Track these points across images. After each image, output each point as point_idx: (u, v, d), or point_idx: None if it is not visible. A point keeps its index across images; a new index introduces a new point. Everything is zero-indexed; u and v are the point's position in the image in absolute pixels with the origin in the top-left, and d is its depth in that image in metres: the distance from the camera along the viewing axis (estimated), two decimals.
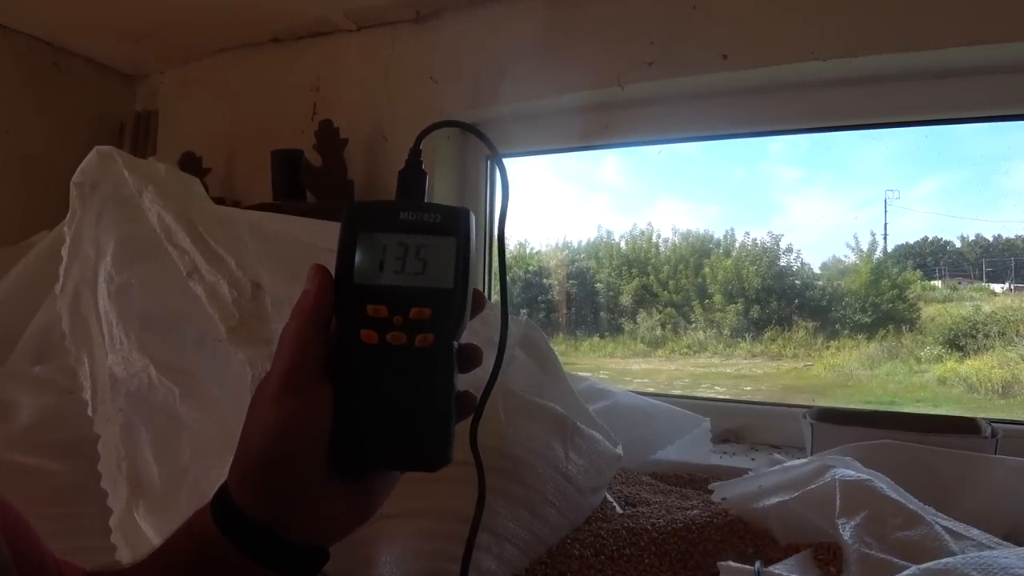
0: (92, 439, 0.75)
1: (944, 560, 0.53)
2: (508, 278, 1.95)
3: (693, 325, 2.25)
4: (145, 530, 0.68)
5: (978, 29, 1.13)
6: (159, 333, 0.79)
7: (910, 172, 1.83)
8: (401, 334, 0.45)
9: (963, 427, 1.15)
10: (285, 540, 0.43)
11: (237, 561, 0.43)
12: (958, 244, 2.06)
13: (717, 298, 2.19)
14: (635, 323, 2.34)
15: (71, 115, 1.96)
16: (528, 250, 2.39)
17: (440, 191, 1.64)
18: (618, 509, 0.93)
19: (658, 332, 2.28)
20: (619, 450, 0.97)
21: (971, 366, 1.87)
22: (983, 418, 1.15)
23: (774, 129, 1.42)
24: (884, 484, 0.75)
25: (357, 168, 1.70)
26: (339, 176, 1.69)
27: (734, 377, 2.31)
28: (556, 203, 2.26)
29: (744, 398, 1.79)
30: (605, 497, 0.94)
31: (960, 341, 1.90)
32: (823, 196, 2.07)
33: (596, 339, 2.34)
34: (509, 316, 0.53)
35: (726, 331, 2.18)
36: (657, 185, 2.25)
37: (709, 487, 0.97)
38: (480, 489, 0.54)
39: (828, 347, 2.06)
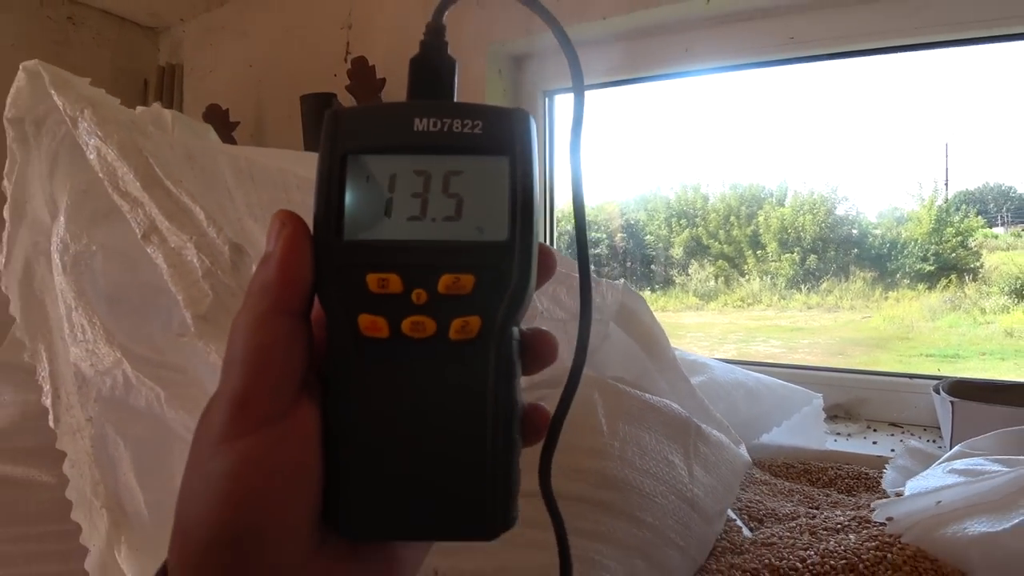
0: None
1: None
2: (557, 232, 1.76)
3: (747, 277, 2.23)
4: (129, 574, 0.48)
5: None
6: (132, 317, 0.56)
7: (969, 117, 1.84)
8: (426, 320, 0.28)
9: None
10: None
11: None
12: (1021, 189, 2.01)
13: (772, 247, 2.15)
14: (687, 276, 2.30)
15: (89, 73, 1.84)
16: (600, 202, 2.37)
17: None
18: (745, 531, 0.71)
19: (711, 284, 2.26)
20: (744, 452, 0.76)
21: None
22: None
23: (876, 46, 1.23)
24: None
25: None
26: None
27: (789, 330, 2.23)
28: (605, 156, 2.15)
29: (852, 367, 1.61)
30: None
31: None
32: (881, 143, 2.04)
33: (648, 293, 2.27)
34: (593, 282, 0.34)
35: (781, 282, 2.16)
36: (708, 135, 2.18)
37: (871, 503, 0.68)
38: (561, 548, 0.33)
39: (887, 298, 2.05)
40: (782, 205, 2.19)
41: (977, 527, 0.55)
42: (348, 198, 0.28)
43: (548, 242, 1.56)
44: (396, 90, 1.52)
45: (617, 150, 2.17)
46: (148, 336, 0.56)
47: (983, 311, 1.94)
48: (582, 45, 1.38)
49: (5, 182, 0.63)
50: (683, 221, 2.29)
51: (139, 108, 0.71)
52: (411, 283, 0.27)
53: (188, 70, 1.98)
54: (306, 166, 0.62)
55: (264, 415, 0.26)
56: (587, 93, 0.35)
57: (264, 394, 0.27)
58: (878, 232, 2.08)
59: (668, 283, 2.33)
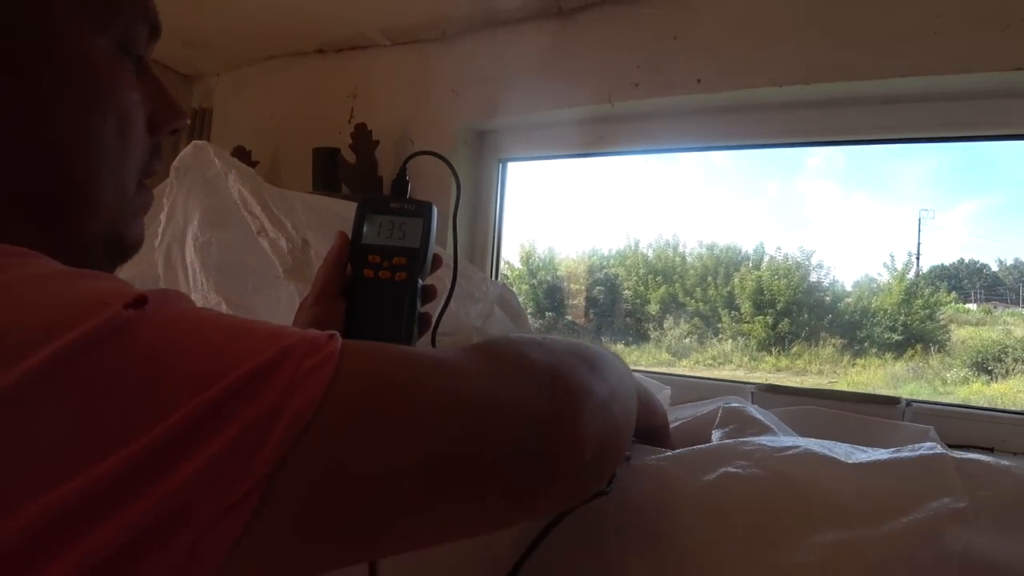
0: None
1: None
2: (536, 281, 2.15)
3: (720, 337, 2.23)
4: None
5: (917, 63, 1.27)
6: (230, 279, 1.02)
7: (948, 192, 1.86)
8: (388, 272, 0.66)
9: (884, 401, 1.28)
10: None
11: None
12: (995, 268, 2.03)
13: (746, 308, 2.18)
14: (662, 330, 2.31)
15: None
16: (557, 256, 2.43)
17: (464, 188, 1.85)
18: None
19: (686, 341, 2.26)
20: None
21: (997, 389, 1.82)
22: (906, 397, 1.29)
23: (742, 144, 1.58)
24: (756, 411, 0.89)
25: (386, 166, 1.92)
26: (371, 173, 1.92)
27: None
28: (586, 211, 2.31)
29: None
30: None
31: (988, 364, 1.86)
32: (858, 213, 2.06)
33: (621, 346, 2.32)
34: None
35: (753, 343, 2.16)
36: (687, 197, 2.23)
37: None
38: None
39: (854, 365, 2.03)
40: (758, 268, 2.20)
41: (678, 422, 0.93)
42: (364, 228, 0.68)
43: (492, 266, 1.91)
44: (386, 147, 1.91)
45: (595, 207, 2.29)
46: (237, 290, 1.01)
47: (944, 381, 1.94)
48: (540, 127, 1.76)
49: (165, 199, 1.08)
50: (659, 278, 2.33)
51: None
52: (383, 259, 0.67)
53: (217, 114, 2.35)
54: (338, 207, 1.09)
55: (326, 299, 0.64)
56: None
57: (327, 292, 0.65)
58: (850, 300, 2.07)
59: (643, 338, 2.33)
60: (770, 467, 0.58)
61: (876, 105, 1.39)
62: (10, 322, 0.27)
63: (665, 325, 2.29)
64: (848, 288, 2.09)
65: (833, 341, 2.05)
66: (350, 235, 0.68)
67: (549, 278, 2.41)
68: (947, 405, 1.40)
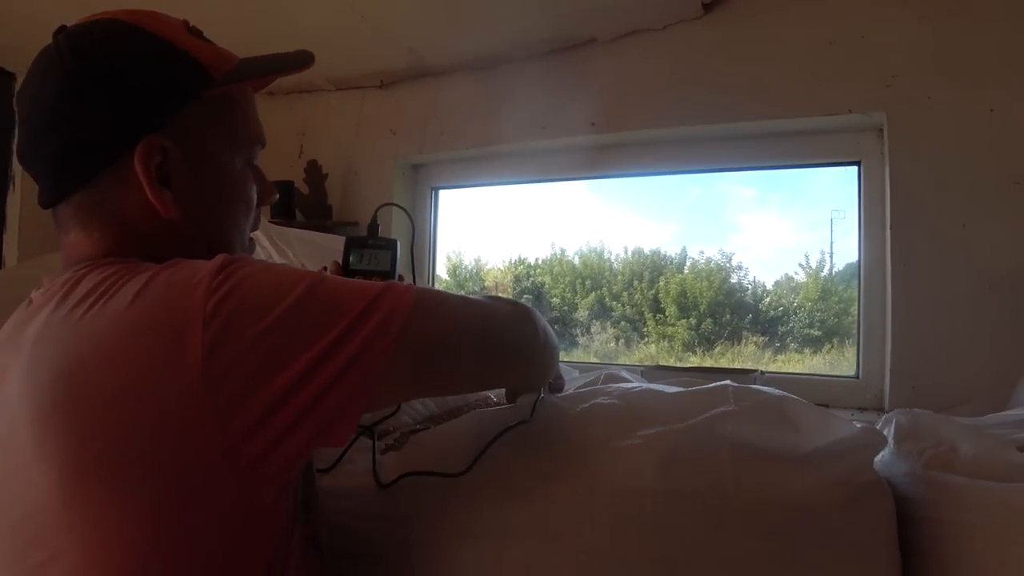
0: None
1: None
2: (464, 292, 2.51)
3: (646, 340, 2.29)
4: None
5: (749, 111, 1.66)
6: None
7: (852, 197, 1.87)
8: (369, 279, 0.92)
9: (743, 372, 1.66)
10: None
11: None
12: None
13: (671, 311, 2.25)
14: (590, 335, 2.39)
15: None
16: (485, 267, 2.56)
17: (399, 212, 2.16)
18: None
19: (612, 345, 2.32)
20: None
21: None
22: (760, 369, 1.67)
23: (629, 172, 1.96)
24: (627, 374, 1.22)
25: (335, 195, 2.22)
26: (321, 202, 2.21)
27: None
28: (512, 223, 2.48)
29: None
30: None
31: None
32: (776, 216, 2.15)
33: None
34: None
35: (678, 345, 2.22)
36: (612, 204, 2.36)
37: None
38: None
39: (775, 360, 2.12)
40: (681, 272, 2.28)
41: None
42: (350, 258, 0.89)
43: (430, 278, 2.24)
44: (334, 179, 2.21)
45: (520, 219, 2.46)
46: None
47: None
48: (466, 160, 2.09)
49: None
50: (588, 283, 2.40)
51: None
52: (365, 278, 0.82)
53: None
54: (321, 239, 1.35)
55: None
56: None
57: None
58: (769, 300, 2.16)
59: (572, 343, 2.40)
60: (621, 398, 0.92)
61: (726, 141, 1.79)
62: (270, 284, 0.55)
63: (592, 330, 2.36)
64: (769, 288, 2.17)
65: (755, 339, 2.13)
66: (340, 263, 0.89)
67: (476, 288, 2.56)
68: (790, 373, 1.79)
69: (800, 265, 2.08)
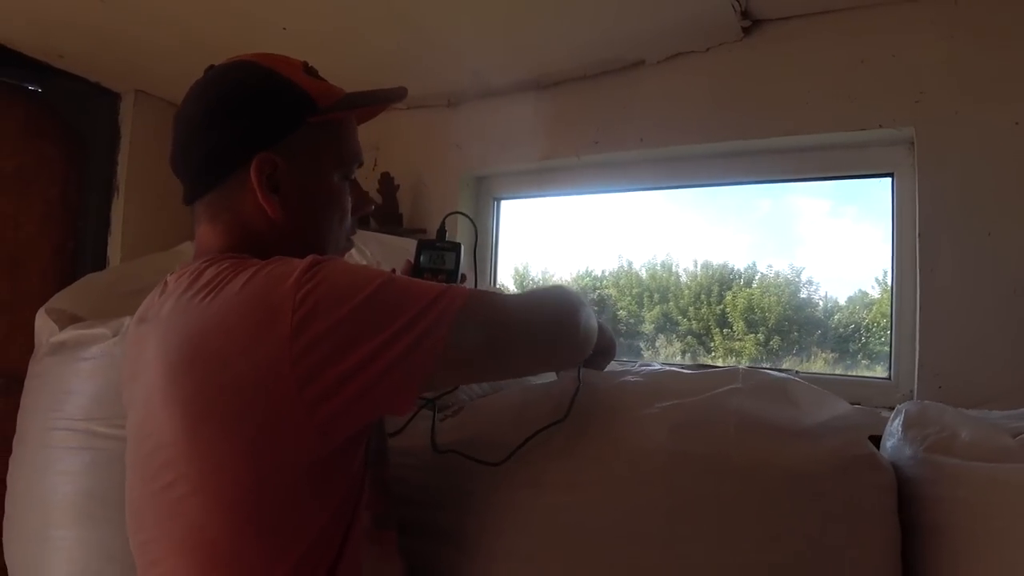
0: None
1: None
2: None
3: (712, 354, 2.28)
4: None
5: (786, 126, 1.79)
6: None
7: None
8: (438, 277, 0.98)
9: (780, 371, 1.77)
10: None
11: None
12: None
13: (738, 326, 2.23)
14: (655, 349, 2.37)
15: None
16: (552, 278, 2.62)
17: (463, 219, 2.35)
18: None
19: (678, 359, 2.30)
20: None
21: None
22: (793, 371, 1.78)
23: (680, 184, 2.09)
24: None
25: (406, 205, 2.43)
26: (393, 211, 2.42)
27: None
28: (580, 235, 2.55)
29: None
30: None
31: None
32: (848, 229, 2.12)
33: (616, 365, 2.31)
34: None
35: (744, 361, 2.20)
36: (681, 216, 2.37)
37: None
38: None
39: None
40: (749, 286, 2.26)
41: None
42: (421, 258, 1.02)
43: (491, 283, 2.41)
44: (404, 190, 2.42)
45: (588, 231, 2.53)
46: None
47: None
48: (527, 173, 2.27)
49: None
50: (655, 296, 2.40)
51: None
52: (433, 275, 0.99)
53: None
54: (395, 241, 1.50)
55: None
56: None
57: None
58: (839, 317, 2.12)
59: (636, 356, 2.39)
60: (646, 376, 1.08)
61: (762, 155, 1.92)
62: (348, 282, 0.69)
63: (658, 344, 2.36)
64: (842, 303, 2.12)
65: (824, 355, 2.09)
66: (412, 262, 1.01)
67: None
68: (826, 374, 1.90)
69: (877, 280, 2.03)
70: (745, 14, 1.78)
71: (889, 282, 1.84)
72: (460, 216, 1.92)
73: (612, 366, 1.62)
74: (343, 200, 0.87)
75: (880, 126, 1.69)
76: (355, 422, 0.70)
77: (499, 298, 0.80)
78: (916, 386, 1.63)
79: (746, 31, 1.84)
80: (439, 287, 0.72)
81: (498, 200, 2.46)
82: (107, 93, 2.47)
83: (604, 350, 1.06)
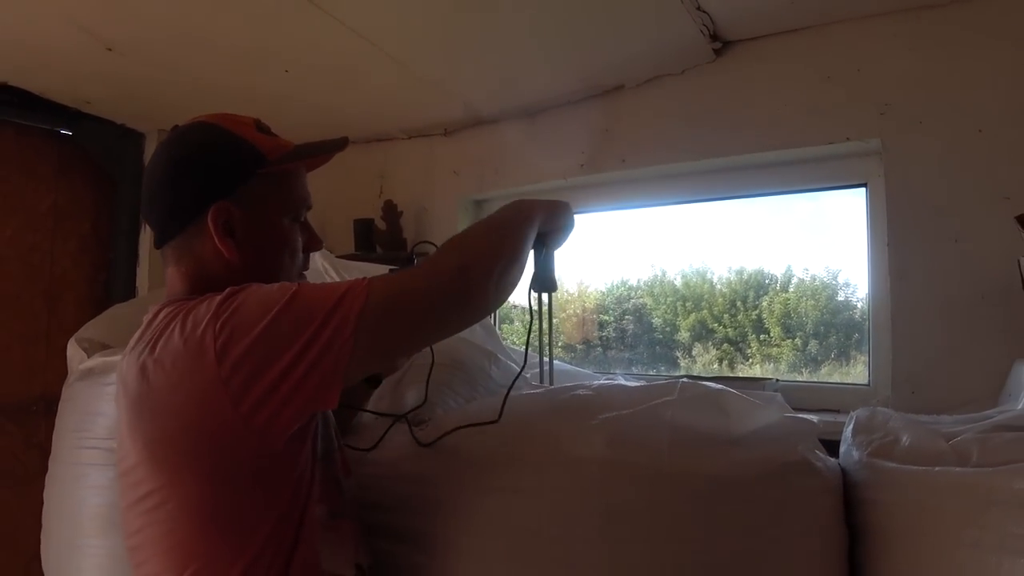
0: None
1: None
2: (565, 314, 2.64)
3: (750, 361, 2.25)
4: None
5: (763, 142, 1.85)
6: None
7: None
8: None
9: (758, 380, 1.82)
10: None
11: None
12: None
13: (775, 332, 2.19)
14: (691, 358, 2.35)
15: None
16: (587, 290, 2.66)
17: None
18: None
19: (715, 367, 2.28)
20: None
21: None
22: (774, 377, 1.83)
23: (661, 202, 2.17)
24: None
25: (409, 230, 2.55)
26: (397, 236, 2.54)
27: None
28: (614, 246, 2.55)
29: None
30: None
31: None
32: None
33: (652, 374, 2.33)
34: None
35: (783, 367, 2.15)
36: (714, 223, 2.32)
37: None
38: None
39: None
40: (786, 291, 2.23)
41: None
42: None
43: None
44: (409, 214, 2.54)
45: (623, 236, 2.52)
46: None
47: None
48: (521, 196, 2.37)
49: None
50: (689, 304, 2.38)
51: None
52: None
53: None
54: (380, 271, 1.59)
55: None
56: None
57: None
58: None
59: (672, 365, 2.36)
60: (595, 389, 1.16)
61: (740, 170, 1.98)
62: (258, 303, 0.79)
63: (694, 352, 2.34)
64: None
65: (863, 359, 1.99)
66: None
67: (579, 311, 2.66)
68: (805, 382, 1.94)
69: None
70: (715, 36, 1.86)
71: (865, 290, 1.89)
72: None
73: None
74: (293, 240, 0.97)
75: (848, 139, 1.75)
76: (288, 424, 0.80)
77: (398, 278, 0.86)
78: (891, 392, 1.67)
79: (717, 52, 1.91)
80: (343, 287, 0.81)
81: None
82: (132, 134, 2.63)
83: (558, 228, 1.14)
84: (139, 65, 2.03)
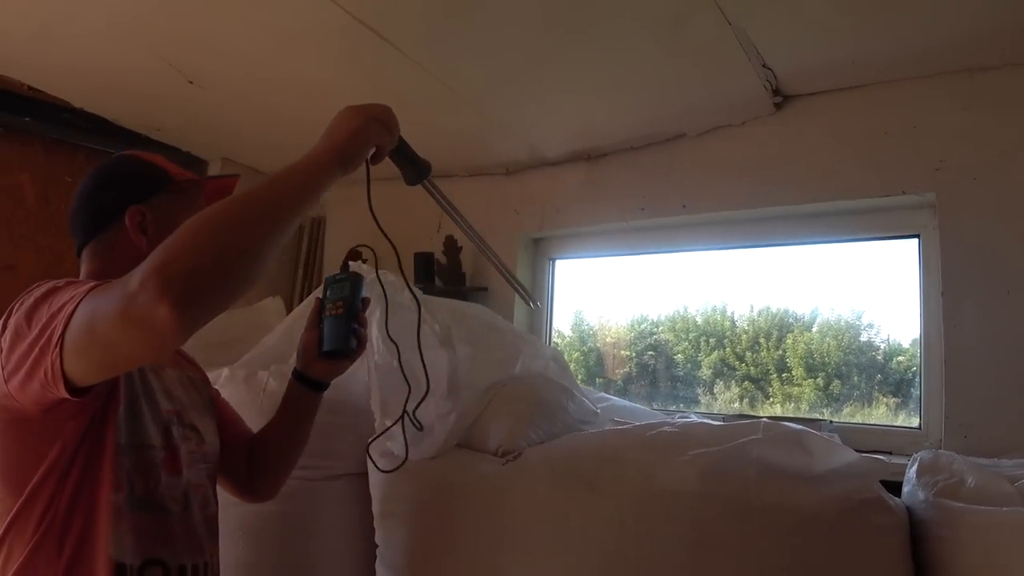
0: None
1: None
2: (586, 348, 2.77)
3: (771, 400, 2.24)
4: None
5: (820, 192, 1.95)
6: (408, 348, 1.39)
7: None
8: (334, 311, 1.22)
9: (813, 420, 1.90)
10: (314, 379, 1.26)
11: (297, 390, 1.26)
12: None
13: (797, 371, 2.21)
14: (712, 395, 2.35)
15: None
16: (608, 325, 2.72)
17: (523, 278, 2.54)
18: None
19: (736, 406, 2.27)
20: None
21: None
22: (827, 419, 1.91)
23: (720, 246, 2.27)
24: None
25: (468, 265, 2.65)
26: (456, 270, 2.65)
27: None
28: (636, 283, 2.64)
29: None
30: None
31: None
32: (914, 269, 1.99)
33: (672, 409, 2.31)
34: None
35: (804, 407, 2.16)
36: (738, 261, 2.38)
37: None
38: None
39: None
40: (809, 330, 2.26)
41: None
42: (328, 290, 1.30)
43: (547, 335, 2.58)
44: (468, 250, 2.64)
45: (645, 274, 2.60)
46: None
47: None
48: (579, 236, 2.47)
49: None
50: (711, 340, 2.39)
51: None
52: (332, 304, 1.28)
53: (329, 223, 3.10)
54: (459, 305, 1.69)
55: (310, 326, 1.29)
56: None
57: (310, 323, 1.30)
58: (901, 359, 2.10)
59: (693, 402, 2.36)
60: (681, 427, 1.26)
61: (796, 219, 2.08)
62: (25, 302, 0.91)
63: (715, 389, 2.35)
64: (905, 346, 2.08)
65: (886, 400, 2.06)
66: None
67: (599, 346, 2.71)
68: (860, 424, 2.01)
69: None
70: (776, 91, 1.96)
71: (917, 337, 1.95)
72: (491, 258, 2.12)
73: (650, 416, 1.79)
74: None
75: (903, 192, 1.84)
76: (33, 398, 0.89)
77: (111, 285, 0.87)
78: (944, 436, 1.74)
79: (778, 106, 2.02)
80: (77, 294, 0.86)
81: (553, 260, 2.67)
82: (198, 161, 2.76)
83: (392, 132, 1.20)
84: (215, 96, 2.17)
